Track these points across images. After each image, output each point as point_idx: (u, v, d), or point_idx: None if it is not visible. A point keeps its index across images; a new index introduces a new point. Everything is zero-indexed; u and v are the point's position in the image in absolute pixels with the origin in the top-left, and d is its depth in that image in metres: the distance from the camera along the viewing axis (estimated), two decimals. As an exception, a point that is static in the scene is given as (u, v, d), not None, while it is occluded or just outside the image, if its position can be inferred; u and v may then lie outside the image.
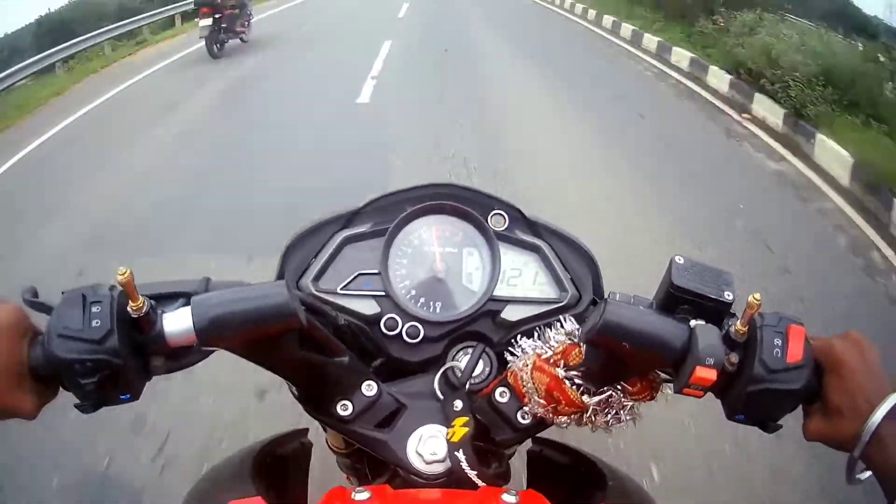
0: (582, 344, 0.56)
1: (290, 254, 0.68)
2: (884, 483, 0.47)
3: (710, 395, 0.53)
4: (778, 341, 0.51)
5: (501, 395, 0.60)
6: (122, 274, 0.48)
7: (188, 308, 0.51)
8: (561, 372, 0.56)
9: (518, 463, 0.79)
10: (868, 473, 0.49)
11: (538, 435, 0.69)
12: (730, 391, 0.52)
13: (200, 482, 0.66)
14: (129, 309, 0.50)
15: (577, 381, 0.55)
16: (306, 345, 0.56)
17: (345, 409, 0.60)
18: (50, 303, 0.51)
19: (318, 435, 0.84)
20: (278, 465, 0.75)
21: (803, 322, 0.52)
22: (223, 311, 0.50)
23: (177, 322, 0.51)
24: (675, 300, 0.54)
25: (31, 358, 0.49)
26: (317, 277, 0.66)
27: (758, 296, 0.50)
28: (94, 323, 0.48)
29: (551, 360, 0.57)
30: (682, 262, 0.55)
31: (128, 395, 0.52)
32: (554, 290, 0.68)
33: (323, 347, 0.58)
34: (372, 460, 0.78)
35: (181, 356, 0.54)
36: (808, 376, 0.51)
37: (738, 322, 0.52)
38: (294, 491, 0.77)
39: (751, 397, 0.51)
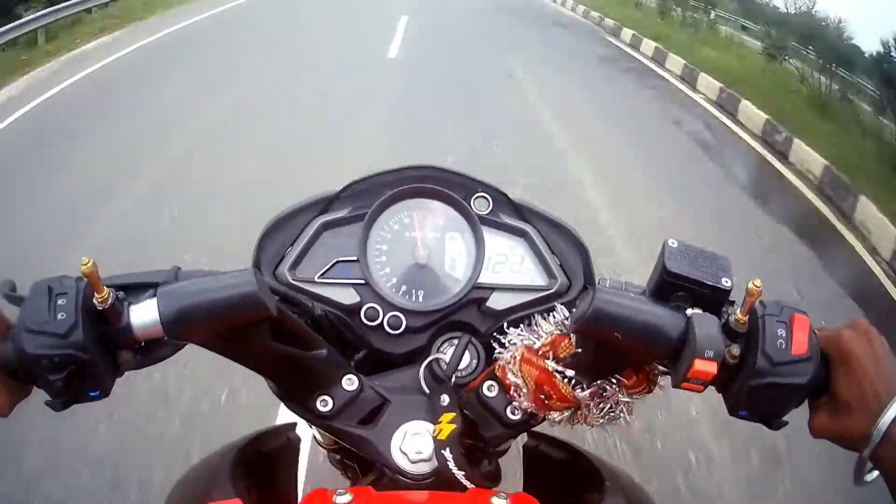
0: (572, 334, 0.52)
1: (266, 241, 0.65)
2: (893, 485, 0.44)
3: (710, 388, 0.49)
4: (781, 332, 0.47)
5: (489, 390, 0.56)
6: (86, 264, 0.46)
7: (155, 299, 0.48)
8: (551, 364, 0.52)
9: (514, 458, 0.76)
10: (875, 474, 0.46)
11: (534, 429, 0.66)
12: (731, 386, 0.49)
13: (179, 484, 0.64)
14: (94, 301, 0.47)
15: (568, 374, 0.52)
16: (280, 337, 0.53)
17: (325, 404, 0.57)
18: (25, 296, 0.49)
19: (307, 430, 0.81)
20: (263, 462, 0.72)
21: (806, 311, 0.49)
22: (189, 301, 0.47)
23: (143, 314, 0.49)
24: (669, 287, 0.51)
25: (3, 354, 0.47)
26: (294, 265, 0.63)
27: (758, 282, 0.47)
28: (59, 316, 0.46)
29: (540, 352, 0.54)
30: (675, 245, 0.51)
31: (97, 392, 0.50)
32: (542, 277, 0.65)
33: (298, 340, 0.55)
34: (361, 456, 0.75)
35: (151, 350, 0.52)
36: (814, 369, 0.47)
37: (739, 311, 0.48)
38: (281, 489, 0.74)
39: (754, 392, 0.47)
